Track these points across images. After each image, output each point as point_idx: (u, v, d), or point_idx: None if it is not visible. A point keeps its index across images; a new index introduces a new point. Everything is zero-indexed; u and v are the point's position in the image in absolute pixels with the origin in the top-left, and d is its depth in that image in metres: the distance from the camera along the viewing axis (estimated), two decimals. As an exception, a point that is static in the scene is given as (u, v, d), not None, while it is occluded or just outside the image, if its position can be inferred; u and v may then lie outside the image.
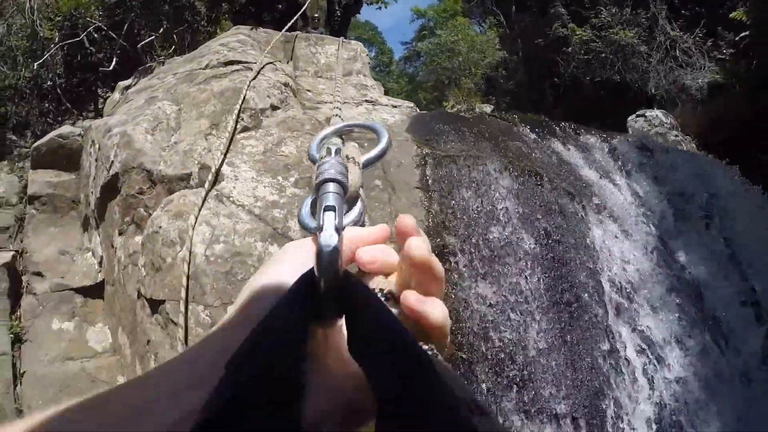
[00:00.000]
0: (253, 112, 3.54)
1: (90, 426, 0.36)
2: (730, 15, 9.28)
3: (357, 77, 4.68)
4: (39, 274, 3.97)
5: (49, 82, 6.17)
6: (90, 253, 3.98)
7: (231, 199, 2.96)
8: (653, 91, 10.17)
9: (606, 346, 3.01)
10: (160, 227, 2.83)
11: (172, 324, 2.65)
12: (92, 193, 3.82)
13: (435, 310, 0.43)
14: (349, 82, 4.64)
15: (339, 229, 0.44)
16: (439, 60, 18.21)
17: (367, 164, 0.62)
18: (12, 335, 3.66)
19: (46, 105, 6.25)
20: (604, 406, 2.78)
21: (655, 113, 7.78)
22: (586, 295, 3.07)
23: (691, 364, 3.10)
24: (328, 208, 0.47)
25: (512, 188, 3.29)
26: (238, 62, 4.05)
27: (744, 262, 3.90)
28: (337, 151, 0.57)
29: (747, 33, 9.15)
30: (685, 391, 2.98)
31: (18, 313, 3.79)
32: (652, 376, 2.95)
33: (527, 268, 2.98)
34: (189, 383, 0.38)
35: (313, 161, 0.60)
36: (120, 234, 3.30)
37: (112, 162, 3.37)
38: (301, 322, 0.40)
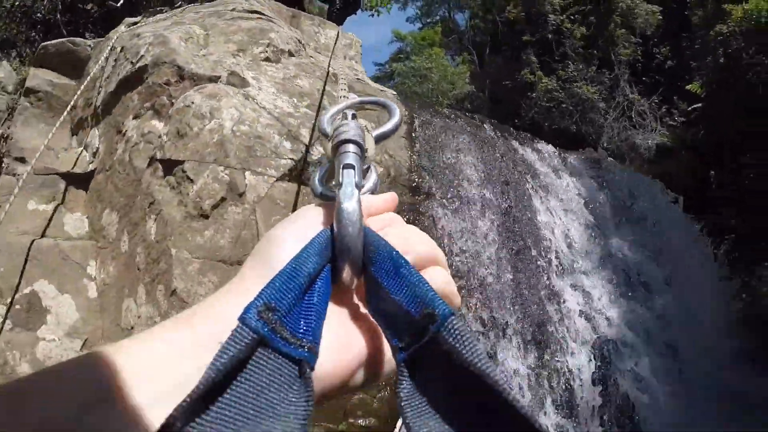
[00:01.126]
0: (275, 49, 4.04)
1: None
2: (687, 87, 10.40)
3: (350, 62, 5.31)
4: (22, 159, 4.06)
5: (40, 14, 6.35)
6: (80, 148, 4.14)
7: (256, 100, 3.39)
8: (605, 145, 11.22)
9: (548, 290, 3.62)
10: (193, 102, 3.20)
11: (186, 181, 2.97)
12: (100, 91, 4.07)
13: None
14: (345, 66, 5.26)
15: (358, 186, 0.46)
16: (410, 83, 19.33)
17: (380, 138, 0.63)
18: (-17, 204, 3.71)
19: (33, 34, 6.37)
20: (550, 329, 3.35)
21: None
22: (533, 247, 3.71)
23: (622, 316, 3.78)
24: (347, 166, 0.48)
25: (479, 156, 3.97)
26: (261, 14, 4.56)
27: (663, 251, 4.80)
28: (354, 116, 0.59)
29: (699, 105, 10.24)
30: (616, 329, 3.64)
31: (-7, 188, 3.85)
32: (588, 316, 3.59)
33: (487, 211, 3.59)
34: (210, 331, 0.38)
35: (325, 135, 0.61)
36: (135, 118, 3.58)
37: (142, 56, 3.70)
38: (321, 274, 0.41)
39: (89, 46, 4.60)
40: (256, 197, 2.86)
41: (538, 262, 3.69)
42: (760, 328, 5.20)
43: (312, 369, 0.36)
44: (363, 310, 0.44)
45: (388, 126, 0.64)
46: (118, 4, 5.97)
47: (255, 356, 0.34)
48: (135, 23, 5.29)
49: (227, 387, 0.31)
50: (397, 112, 0.66)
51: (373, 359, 0.43)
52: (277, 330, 0.35)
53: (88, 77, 4.34)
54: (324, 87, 3.83)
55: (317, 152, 3.30)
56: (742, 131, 8.32)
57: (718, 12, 9.53)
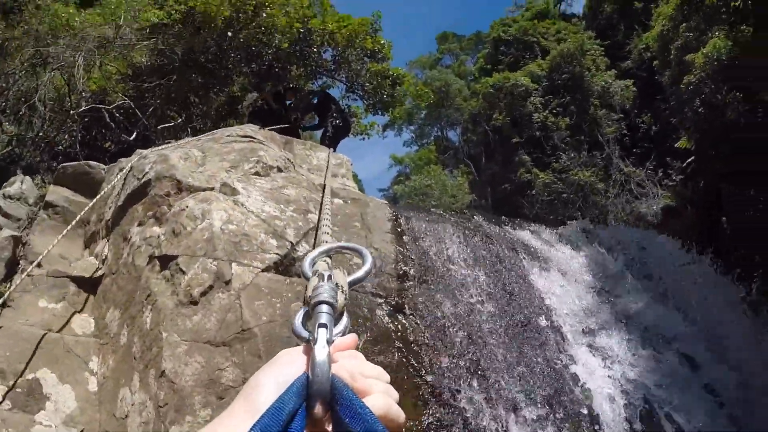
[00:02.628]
0: (264, 165, 4.76)
1: None
2: (676, 145, 10.75)
3: (341, 179, 6.04)
4: (38, 264, 4.62)
5: (61, 147, 7.27)
6: (92, 258, 4.71)
7: (244, 206, 4.00)
8: (613, 222, 11.47)
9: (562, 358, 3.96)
10: (187, 206, 3.81)
11: (179, 273, 3.48)
12: (111, 206, 4.73)
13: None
14: (336, 182, 6.00)
15: (329, 342, 0.61)
16: (413, 202, 20.18)
17: (353, 284, 0.78)
18: (-1, 297, 4.19)
19: (54, 163, 7.24)
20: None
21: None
22: (538, 319, 4.11)
23: (642, 367, 4.05)
24: (321, 325, 0.63)
25: (466, 243, 4.51)
26: (253, 138, 5.36)
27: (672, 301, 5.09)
28: (329, 277, 0.73)
29: (692, 159, 10.53)
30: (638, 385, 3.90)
31: (8, 285, 4.35)
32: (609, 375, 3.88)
33: (482, 291, 4.05)
34: None
35: (305, 277, 0.77)
36: (139, 225, 4.18)
37: (146, 173, 4.40)
38: (297, 415, 0.54)
39: (103, 169, 5.36)
40: (241, 284, 3.35)
41: (544, 332, 4.08)
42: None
43: None
44: None
45: (360, 273, 0.80)
46: (131, 138, 6.90)
47: None
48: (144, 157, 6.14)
49: None
50: (369, 260, 0.83)
51: None
52: None
53: (100, 197, 5.03)
54: (322, 200, 4.45)
55: (302, 248, 3.85)
56: (738, 170, 8.43)
57: (682, 65, 10.16)
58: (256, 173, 4.60)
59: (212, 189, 4.16)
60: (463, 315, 3.93)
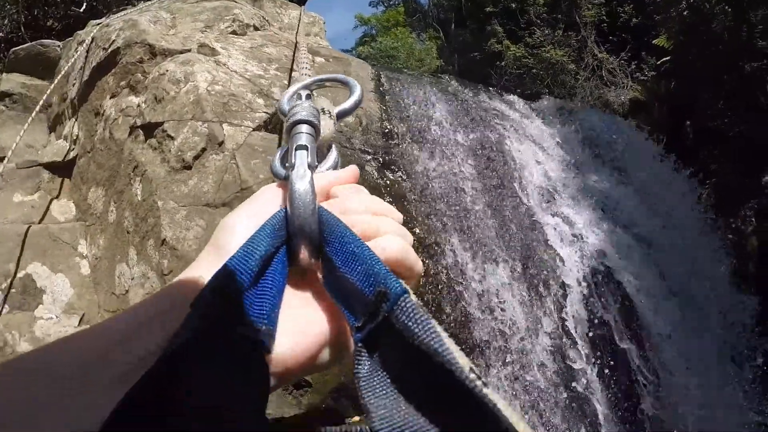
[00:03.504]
0: (241, 23, 4.29)
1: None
2: (653, 41, 10.55)
3: (314, 38, 5.59)
4: (1, 159, 4.26)
5: (1, 33, 6.57)
6: (60, 140, 4.34)
7: (227, 66, 3.62)
8: (579, 104, 11.58)
9: (533, 221, 3.87)
10: (167, 70, 3.43)
11: (167, 139, 3.19)
12: (75, 83, 4.29)
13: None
14: (309, 41, 5.54)
15: (312, 167, 0.48)
16: (379, 64, 19.76)
17: (341, 115, 0.64)
18: (-31, 201, 3.89)
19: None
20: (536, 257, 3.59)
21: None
22: (513, 183, 3.96)
23: (604, 239, 4.04)
24: (299, 147, 0.50)
25: (446, 107, 4.24)
26: (224, -3, 4.83)
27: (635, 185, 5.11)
28: (308, 96, 0.61)
29: (668, 58, 10.41)
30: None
31: (-23, 185, 4.03)
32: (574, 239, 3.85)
33: (460, 151, 3.85)
34: (165, 315, 0.39)
35: (282, 113, 0.62)
36: (112, 97, 3.80)
37: (113, 41, 3.93)
38: (276, 256, 0.42)
39: (58, 46, 4.83)
40: (234, 145, 3.08)
41: (517, 195, 3.94)
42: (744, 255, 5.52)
43: (268, 352, 0.38)
44: (322, 289, 0.44)
45: (349, 103, 0.66)
46: (81, 9, 6.22)
47: (207, 339, 0.34)
48: (100, 23, 5.54)
49: (180, 369, 0.32)
50: (358, 89, 0.68)
51: (337, 338, 0.44)
52: (228, 314, 0.36)
53: (60, 75, 4.56)
54: (294, 54, 4.08)
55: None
56: (713, 79, 8.51)
57: None
58: (233, 32, 4.17)
59: (189, 51, 3.75)
60: (446, 174, 3.79)
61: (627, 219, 4.61)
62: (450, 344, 0.32)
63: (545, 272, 3.68)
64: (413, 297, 0.36)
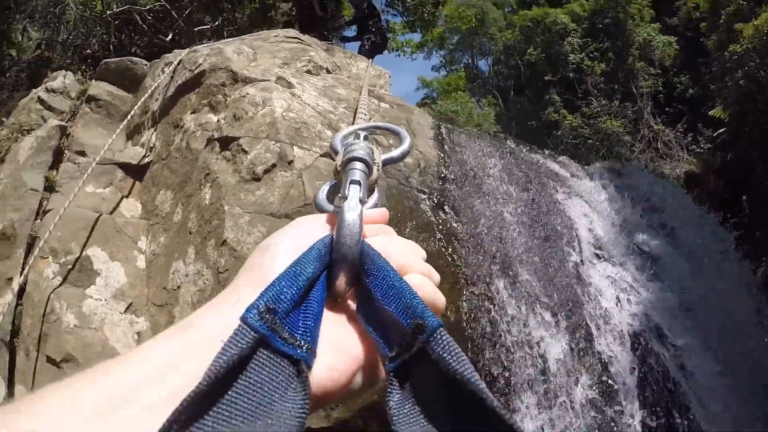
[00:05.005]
0: (315, 65, 4.79)
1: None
2: (710, 113, 10.66)
3: (380, 90, 6.09)
4: (82, 153, 4.71)
5: (89, 50, 7.27)
6: (137, 147, 4.80)
7: (301, 98, 4.06)
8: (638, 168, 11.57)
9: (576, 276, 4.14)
10: (248, 93, 3.87)
11: (241, 153, 3.58)
12: (158, 98, 4.79)
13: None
14: (371, 93, 6.04)
15: (362, 201, 0.52)
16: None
17: (386, 163, 0.68)
18: (46, 183, 4.30)
19: (84, 67, 7.25)
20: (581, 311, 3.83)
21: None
22: (561, 239, 4.27)
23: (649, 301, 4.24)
24: (354, 182, 0.55)
25: (500, 161, 4.60)
26: (300, 39, 5.37)
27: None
28: (366, 137, 0.65)
29: (724, 129, 10.47)
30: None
31: (55, 172, 4.46)
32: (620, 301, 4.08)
33: (510, 204, 4.18)
34: (211, 337, 0.40)
35: (335, 152, 0.67)
36: (193, 113, 4.25)
37: (199, 64, 4.43)
38: (317, 282, 0.45)
39: (145, 65, 5.39)
40: (303, 165, 3.44)
41: (565, 249, 4.24)
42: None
43: (309, 368, 0.39)
44: (356, 317, 0.47)
45: (397, 152, 0.69)
46: (168, 38, 6.90)
47: (255, 355, 0.36)
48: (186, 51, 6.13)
49: (228, 385, 0.34)
50: (407, 141, 0.71)
51: (370, 364, 0.45)
52: (277, 330, 0.38)
53: (148, 89, 5.08)
54: (361, 94, 4.52)
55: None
56: None
57: (731, 33, 9.85)
58: (308, 71, 4.64)
59: (268, 81, 4.21)
60: (496, 219, 4.09)
61: (675, 284, 4.81)
62: (480, 378, 0.35)
63: (590, 325, 3.89)
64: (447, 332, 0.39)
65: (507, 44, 19.39)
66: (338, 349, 0.44)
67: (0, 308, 3.41)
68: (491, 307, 3.53)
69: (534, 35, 16.31)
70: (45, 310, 3.56)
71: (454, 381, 0.35)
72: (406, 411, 0.37)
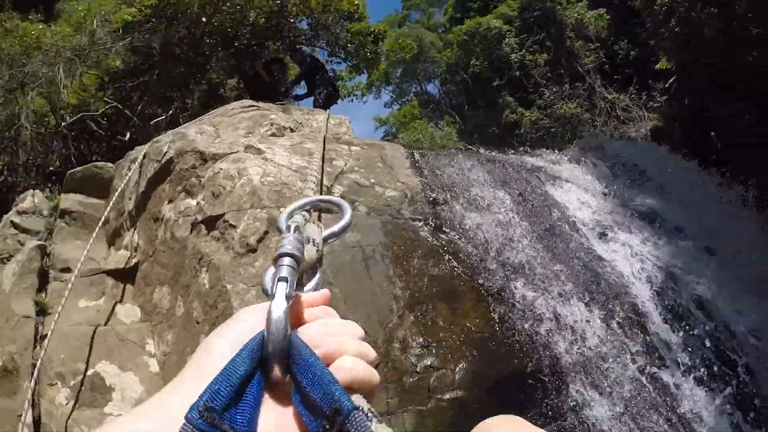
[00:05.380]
0: (278, 126, 4.80)
1: None
2: (656, 67, 10.87)
3: (345, 137, 6.12)
4: (66, 269, 4.60)
5: (51, 168, 7.23)
6: (121, 251, 4.70)
7: (274, 161, 4.04)
8: (606, 141, 11.68)
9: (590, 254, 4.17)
10: (221, 168, 3.84)
11: (230, 228, 3.52)
12: (131, 197, 4.73)
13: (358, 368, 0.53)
14: (339, 140, 6.08)
15: (288, 298, 0.56)
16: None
17: (329, 238, 0.74)
18: (37, 307, 4.18)
19: (50, 184, 7.18)
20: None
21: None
22: (565, 226, 4.29)
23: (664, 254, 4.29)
24: (280, 279, 0.58)
25: (481, 169, 4.63)
26: (257, 106, 5.40)
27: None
28: (296, 229, 0.69)
29: (673, 78, 10.71)
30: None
31: (44, 294, 4.34)
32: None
33: (502, 206, 4.18)
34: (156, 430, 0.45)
35: (280, 231, 0.73)
36: (170, 202, 4.20)
37: (165, 153, 4.40)
38: (252, 376, 0.50)
39: (111, 167, 5.35)
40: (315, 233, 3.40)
41: (570, 233, 4.25)
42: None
43: None
44: (290, 401, 0.52)
45: (338, 227, 0.75)
46: (126, 138, 6.89)
47: None
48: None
49: None
50: (348, 213, 0.77)
51: None
52: (217, 425, 0.43)
53: (115, 194, 5.02)
54: (323, 147, 4.53)
55: (337, 190, 3.92)
56: (719, 83, 8.69)
57: None
58: (273, 134, 4.65)
59: (236, 152, 4.19)
60: (496, 226, 4.10)
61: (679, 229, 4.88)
62: None
63: (618, 296, 3.88)
64: (365, 407, 0.46)
65: (449, 63, 19.87)
66: (279, 429, 0.50)
67: (17, 451, 3.30)
68: (521, 308, 3.50)
69: (472, 47, 16.75)
70: (65, 440, 3.43)
71: None
72: None
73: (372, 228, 3.67)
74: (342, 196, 3.74)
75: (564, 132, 13.08)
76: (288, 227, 0.70)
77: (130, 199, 4.75)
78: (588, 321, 3.49)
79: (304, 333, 0.55)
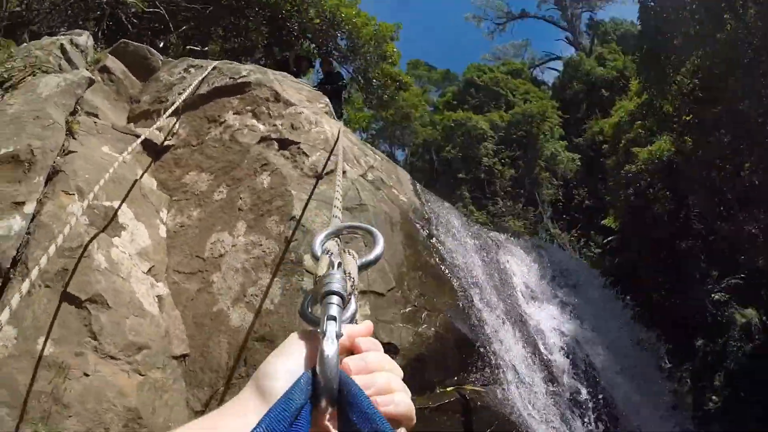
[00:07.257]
0: (329, 111, 5.78)
1: None
2: (602, 222, 12.29)
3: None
4: (95, 115, 4.86)
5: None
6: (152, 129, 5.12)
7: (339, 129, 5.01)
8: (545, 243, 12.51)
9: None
10: (302, 111, 4.74)
11: (302, 155, 4.39)
12: (181, 92, 5.30)
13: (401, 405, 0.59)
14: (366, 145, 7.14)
15: (338, 336, 0.59)
16: None
17: (363, 268, 0.79)
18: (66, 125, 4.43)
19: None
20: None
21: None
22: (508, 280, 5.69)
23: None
24: (330, 318, 0.62)
25: (456, 217, 6.02)
26: (309, 88, 6.34)
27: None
28: (339, 265, 0.74)
29: (613, 237, 12.00)
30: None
31: (75, 120, 4.59)
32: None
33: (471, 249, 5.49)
34: None
35: (315, 257, 0.79)
36: (236, 114, 4.91)
37: (243, 75, 5.15)
38: (303, 410, 0.54)
39: (160, 59, 5.83)
40: (354, 176, 4.36)
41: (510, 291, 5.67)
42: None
43: None
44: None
45: (371, 257, 0.81)
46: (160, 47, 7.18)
47: None
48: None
49: None
50: (381, 242, 0.83)
51: None
52: None
53: (162, 82, 5.47)
54: (337, 167, 5.56)
55: (370, 176, 4.93)
56: (652, 255, 10.15)
57: (628, 155, 11.72)
58: (327, 113, 5.59)
59: (305, 108, 5.08)
60: (464, 254, 5.43)
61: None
62: None
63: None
64: None
65: (427, 139, 21.42)
66: None
67: (1, 230, 3.29)
68: (476, 309, 4.71)
69: (454, 135, 18.40)
70: (70, 246, 3.45)
71: None
72: None
73: (394, 209, 4.70)
74: (371, 181, 4.73)
75: (502, 246, 14.81)
76: (330, 262, 0.75)
77: (179, 94, 5.27)
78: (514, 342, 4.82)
79: (352, 365, 0.61)
